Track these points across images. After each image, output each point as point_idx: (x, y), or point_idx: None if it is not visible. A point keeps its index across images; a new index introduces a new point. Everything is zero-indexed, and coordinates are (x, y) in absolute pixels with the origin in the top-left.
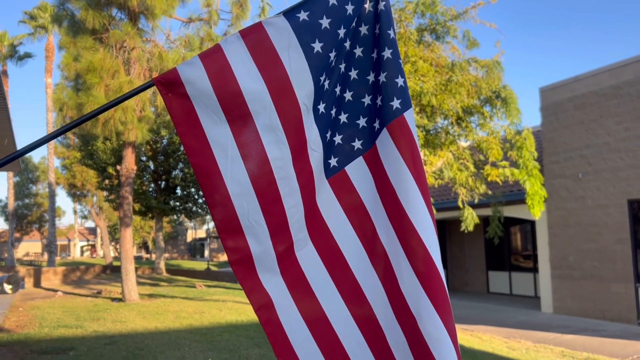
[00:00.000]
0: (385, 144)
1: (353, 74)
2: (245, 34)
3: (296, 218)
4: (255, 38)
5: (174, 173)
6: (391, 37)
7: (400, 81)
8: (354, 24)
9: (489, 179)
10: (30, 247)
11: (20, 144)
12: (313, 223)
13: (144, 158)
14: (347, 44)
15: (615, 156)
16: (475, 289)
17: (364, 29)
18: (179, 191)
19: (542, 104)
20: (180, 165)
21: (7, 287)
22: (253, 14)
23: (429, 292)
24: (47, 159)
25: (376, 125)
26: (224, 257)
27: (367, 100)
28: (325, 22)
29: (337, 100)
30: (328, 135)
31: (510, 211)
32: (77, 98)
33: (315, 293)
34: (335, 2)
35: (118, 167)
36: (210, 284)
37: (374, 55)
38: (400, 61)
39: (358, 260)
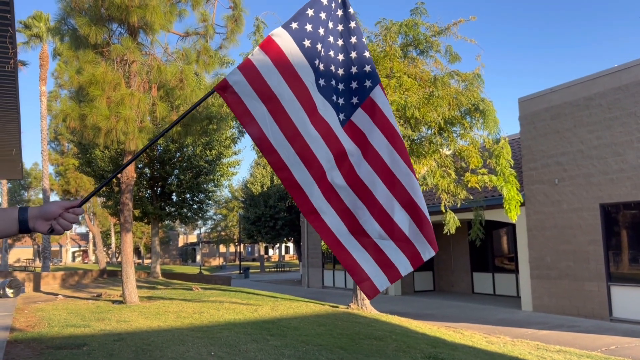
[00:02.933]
0: (375, 102)
1: (340, 56)
2: (262, 45)
3: (322, 154)
4: (269, 46)
5: (169, 180)
6: (353, 27)
7: (367, 54)
8: (330, 24)
9: (469, 185)
10: (21, 253)
11: None
12: (339, 158)
13: (140, 165)
14: (330, 39)
15: (588, 163)
16: (461, 289)
17: (339, 27)
18: (174, 197)
19: (521, 114)
20: (176, 172)
21: (9, 291)
22: (247, 29)
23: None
24: (42, 166)
25: (367, 84)
26: (215, 262)
27: (353, 69)
28: (308, 27)
29: (333, 75)
30: (334, 98)
31: (491, 215)
32: (79, 109)
33: (342, 199)
34: (313, 13)
35: (118, 175)
36: (206, 286)
37: (350, 40)
38: (363, 39)
39: (372, 180)
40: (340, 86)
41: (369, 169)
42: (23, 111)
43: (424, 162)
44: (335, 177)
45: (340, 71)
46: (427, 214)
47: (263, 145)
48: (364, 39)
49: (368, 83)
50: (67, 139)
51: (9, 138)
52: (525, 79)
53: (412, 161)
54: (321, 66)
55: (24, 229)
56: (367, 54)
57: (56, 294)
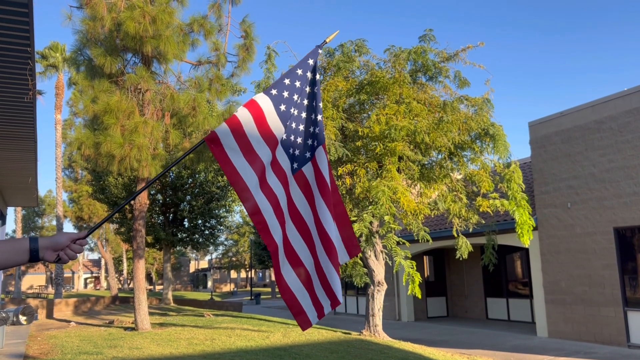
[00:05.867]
0: (316, 160)
1: (304, 115)
2: (247, 105)
3: (282, 198)
4: (252, 107)
5: (181, 206)
6: (316, 92)
7: (319, 117)
8: (302, 88)
9: (481, 209)
10: (34, 280)
11: None
12: (290, 203)
13: (153, 192)
14: (299, 100)
15: (600, 186)
16: (475, 315)
17: (307, 89)
18: (186, 223)
19: (531, 137)
20: (188, 198)
21: (22, 319)
22: (259, 57)
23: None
24: (55, 193)
25: (315, 143)
26: (226, 288)
27: (311, 129)
28: (285, 94)
29: (296, 131)
30: (291, 150)
31: (503, 239)
32: (94, 137)
33: (295, 250)
34: (289, 82)
35: (132, 202)
36: (217, 312)
37: (313, 103)
38: (320, 104)
39: (311, 221)
40: (299, 140)
41: (309, 212)
42: (38, 139)
43: (435, 186)
44: (288, 222)
45: (301, 127)
46: (339, 273)
47: (242, 193)
48: (320, 104)
49: (315, 143)
50: (81, 166)
51: (25, 167)
52: (535, 103)
53: (422, 185)
54: (293, 124)
55: (34, 258)
56: (319, 117)
57: (69, 321)
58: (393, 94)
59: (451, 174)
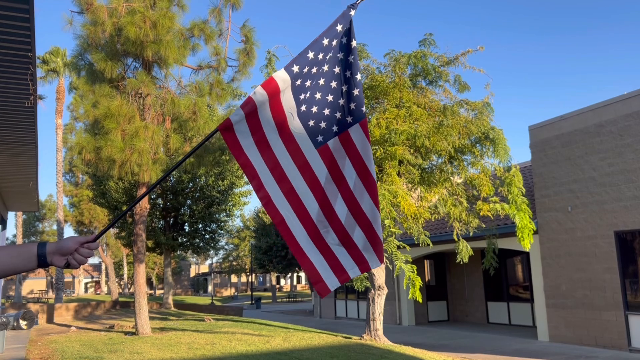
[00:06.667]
0: (351, 138)
1: (333, 84)
2: (264, 84)
3: (293, 174)
4: (269, 86)
5: (182, 210)
6: (351, 62)
7: (356, 92)
8: (328, 56)
9: (481, 213)
10: (34, 284)
11: None
12: (307, 176)
13: (153, 196)
14: (325, 67)
15: (600, 190)
16: (476, 319)
17: (339, 55)
18: (187, 227)
19: (532, 141)
20: (188, 202)
21: (23, 323)
22: (259, 62)
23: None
24: (56, 197)
25: (348, 119)
26: (227, 292)
27: (341, 101)
28: (306, 69)
29: (321, 101)
30: (312, 122)
31: (504, 243)
32: (95, 142)
33: (311, 216)
34: (312, 55)
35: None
36: (218, 317)
37: (345, 73)
38: (358, 77)
39: (335, 199)
40: (326, 111)
41: (335, 190)
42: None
43: (435, 190)
44: (303, 192)
45: (330, 97)
46: (381, 238)
47: (250, 173)
48: (358, 76)
49: (349, 119)
50: (82, 171)
51: (26, 171)
52: (536, 104)
53: (422, 189)
54: (307, 95)
55: (42, 263)
56: (356, 91)
57: (69, 326)
58: (393, 98)
59: (451, 177)
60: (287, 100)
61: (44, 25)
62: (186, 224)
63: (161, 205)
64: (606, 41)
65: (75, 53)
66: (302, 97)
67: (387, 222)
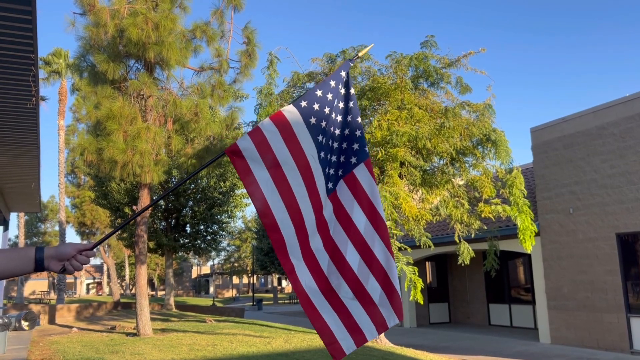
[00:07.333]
0: (357, 178)
1: (337, 131)
2: (273, 117)
3: (309, 220)
4: (279, 119)
5: (184, 211)
6: (351, 107)
7: (358, 132)
8: (335, 102)
9: (483, 215)
10: (36, 285)
11: None
12: (320, 224)
13: (155, 197)
14: (333, 115)
15: (602, 192)
16: (477, 321)
17: (341, 104)
18: (188, 229)
19: (533, 143)
20: (190, 203)
21: (25, 324)
22: (261, 63)
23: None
24: (58, 198)
25: (352, 160)
26: (228, 294)
27: (344, 145)
28: (316, 106)
29: (330, 148)
30: (327, 170)
31: (506, 245)
32: (96, 143)
33: (318, 260)
34: (321, 94)
35: (134, 207)
36: (219, 318)
37: (347, 119)
38: (358, 119)
39: (345, 248)
40: (333, 158)
41: (345, 238)
42: (41, 145)
43: (437, 192)
44: (316, 241)
45: (335, 144)
46: (398, 289)
47: (262, 208)
48: (359, 119)
49: (353, 159)
50: (84, 172)
51: (28, 172)
52: (537, 105)
53: (424, 191)
54: (323, 141)
55: (39, 267)
56: (358, 132)
57: (71, 327)
58: (395, 99)
59: (453, 179)
60: (306, 142)
61: (47, 27)
62: (188, 225)
63: (163, 207)
64: (608, 42)
65: (77, 54)
66: (320, 139)
67: (388, 223)
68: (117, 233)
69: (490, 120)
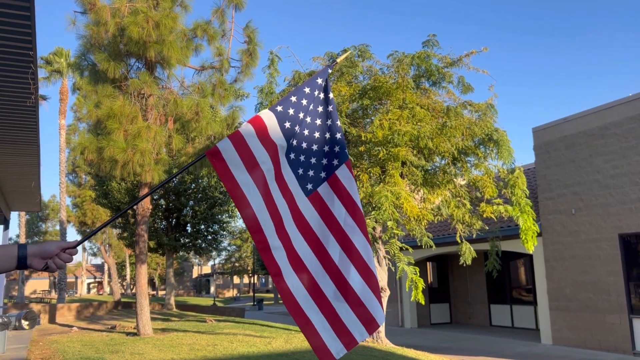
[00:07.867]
0: (338, 178)
1: (316, 134)
2: (251, 121)
3: (287, 220)
4: (256, 123)
5: (184, 211)
6: (330, 111)
7: (339, 135)
8: (310, 107)
9: (485, 215)
10: (37, 284)
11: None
12: (300, 224)
13: (156, 197)
14: (308, 119)
15: (605, 193)
16: (478, 321)
17: (319, 108)
18: (189, 228)
19: (535, 143)
20: (191, 203)
21: (25, 323)
22: (262, 62)
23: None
24: (59, 198)
25: (334, 162)
26: (229, 293)
27: (326, 148)
28: (290, 111)
29: (304, 150)
30: (301, 171)
31: (507, 245)
32: (97, 142)
33: (307, 266)
34: (295, 99)
35: (134, 207)
36: (220, 318)
37: (327, 122)
38: (338, 123)
39: (328, 243)
40: (313, 160)
41: (327, 233)
42: (42, 144)
43: (438, 192)
44: (298, 241)
45: (315, 147)
46: (376, 274)
47: (243, 209)
48: (338, 122)
49: (335, 162)
50: (85, 171)
51: (28, 171)
52: (539, 108)
53: (425, 191)
54: (295, 142)
55: (22, 265)
56: (338, 135)
57: (71, 326)
58: (396, 99)
59: (455, 179)
60: (280, 144)
61: (48, 27)
62: (188, 224)
63: (163, 206)
64: (610, 43)
65: (78, 53)
66: (292, 142)
67: (389, 223)
68: (118, 233)
69: (492, 120)
